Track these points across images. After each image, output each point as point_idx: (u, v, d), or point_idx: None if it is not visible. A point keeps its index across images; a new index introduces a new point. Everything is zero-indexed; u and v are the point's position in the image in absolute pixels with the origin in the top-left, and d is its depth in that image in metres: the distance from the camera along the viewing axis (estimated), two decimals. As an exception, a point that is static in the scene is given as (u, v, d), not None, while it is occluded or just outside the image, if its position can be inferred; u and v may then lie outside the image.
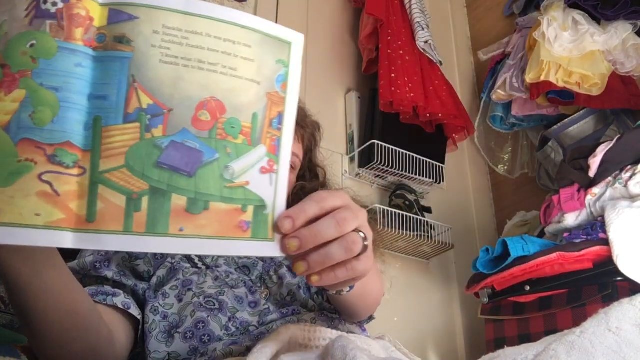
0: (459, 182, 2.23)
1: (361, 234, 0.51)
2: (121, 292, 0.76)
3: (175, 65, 0.43)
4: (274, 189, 0.48)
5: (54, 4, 0.41)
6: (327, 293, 0.76)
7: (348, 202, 0.52)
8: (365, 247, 0.51)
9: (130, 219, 0.42)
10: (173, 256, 0.81)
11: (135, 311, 0.75)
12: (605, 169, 1.45)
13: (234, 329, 0.75)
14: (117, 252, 0.80)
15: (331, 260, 0.49)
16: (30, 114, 0.40)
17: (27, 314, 0.56)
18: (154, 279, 0.80)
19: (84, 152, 0.42)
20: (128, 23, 0.42)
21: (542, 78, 1.77)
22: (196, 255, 0.85)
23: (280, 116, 0.48)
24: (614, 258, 1.27)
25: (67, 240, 0.41)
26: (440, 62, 2.12)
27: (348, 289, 0.62)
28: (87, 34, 0.42)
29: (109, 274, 0.78)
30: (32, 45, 0.41)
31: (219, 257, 0.86)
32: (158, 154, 0.43)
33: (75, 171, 0.42)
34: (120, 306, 0.74)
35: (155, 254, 0.83)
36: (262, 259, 0.86)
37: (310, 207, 0.49)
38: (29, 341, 0.60)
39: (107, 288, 0.76)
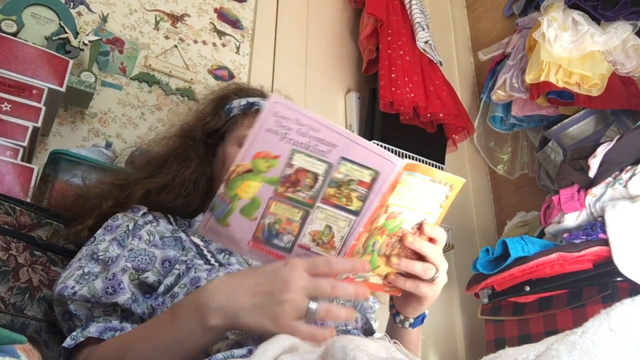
0: (459, 183, 2.23)
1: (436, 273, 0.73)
2: (129, 325, 0.76)
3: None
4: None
5: None
6: (396, 320, 0.87)
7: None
8: (433, 279, 0.73)
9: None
10: (181, 262, 0.81)
11: None
12: (605, 170, 1.45)
13: None
14: (124, 271, 0.80)
15: (412, 270, 0.71)
16: None
17: None
18: (161, 288, 0.80)
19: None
20: None
21: (542, 78, 1.77)
22: (208, 251, 0.85)
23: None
24: (614, 258, 1.27)
25: None
26: (440, 62, 2.12)
27: (412, 321, 0.84)
28: None
29: (122, 298, 0.77)
30: None
31: (231, 255, 0.86)
32: None
33: None
34: None
35: (162, 263, 0.82)
36: None
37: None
38: None
39: (115, 323, 0.77)
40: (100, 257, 0.83)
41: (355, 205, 0.60)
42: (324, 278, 0.61)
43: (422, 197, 0.65)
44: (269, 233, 0.63)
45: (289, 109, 0.60)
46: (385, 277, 0.71)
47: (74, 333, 0.76)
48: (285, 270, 0.60)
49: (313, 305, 0.59)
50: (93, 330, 0.75)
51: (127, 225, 0.87)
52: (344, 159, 0.59)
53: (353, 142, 0.59)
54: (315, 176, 0.60)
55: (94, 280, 0.79)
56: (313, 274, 0.60)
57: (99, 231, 0.88)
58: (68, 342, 0.75)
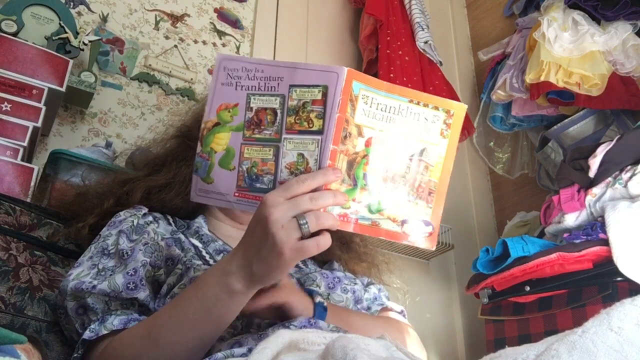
0: (459, 182, 2.23)
1: None
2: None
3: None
4: None
5: None
6: None
7: None
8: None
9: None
10: (184, 262, 0.81)
11: None
12: (605, 169, 1.45)
13: (240, 327, 0.75)
14: (143, 266, 0.81)
15: None
16: None
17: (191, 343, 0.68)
18: (164, 287, 0.80)
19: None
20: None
21: (542, 78, 1.77)
22: (207, 252, 0.85)
23: None
24: (614, 258, 1.27)
25: None
26: (440, 62, 2.12)
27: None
28: None
29: (142, 295, 0.78)
30: None
31: None
32: None
33: None
34: None
35: (166, 261, 0.83)
36: None
37: None
38: None
39: (136, 315, 0.77)
40: (111, 251, 0.84)
41: (316, 124, 0.63)
42: (302, 195, 0.61)
43: (403, 121, 0.65)
44: (250, 178, 0.66)
45: (234, 61, 0.68)
46: (402, 223, 0.67)
47: (92, 326, 0.76)
48: (261, 208, 0.61)
49: (303, 219, 0.60)
50: (117, 322, 0.75)
51: (132, 221, 0.87)
52: (292, 86, 0.64)
53: (295, 68, 0.64)
54: (274, 111, 0.65)
55: (111, 275, 0.79)
56: (290, 197, 0.61)
57: (104, 229, 0.88)
58: (88, 334, 0.75)
